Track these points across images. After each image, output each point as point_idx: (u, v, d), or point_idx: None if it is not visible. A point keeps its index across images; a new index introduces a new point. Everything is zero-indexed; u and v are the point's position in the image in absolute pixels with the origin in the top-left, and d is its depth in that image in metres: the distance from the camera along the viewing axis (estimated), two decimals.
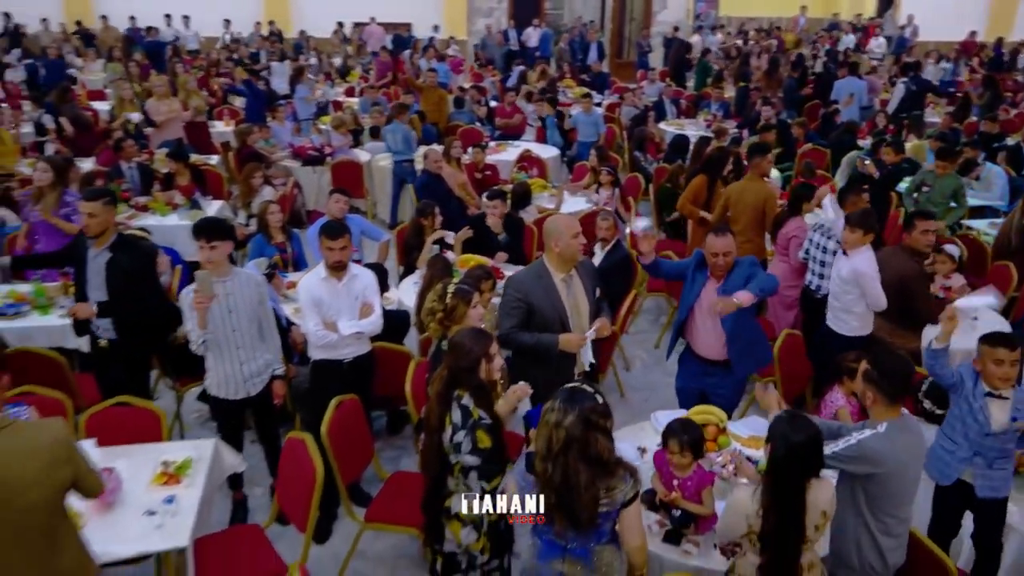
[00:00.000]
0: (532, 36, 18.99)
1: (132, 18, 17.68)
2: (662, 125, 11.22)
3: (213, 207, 7.21)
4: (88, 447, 3.32)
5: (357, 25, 19.28)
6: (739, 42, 18.90)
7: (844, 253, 4.70)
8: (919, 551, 3.03)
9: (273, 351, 4.14)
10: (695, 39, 18.55)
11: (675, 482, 3.21)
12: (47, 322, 4.97)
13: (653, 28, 19.60)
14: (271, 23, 18.64)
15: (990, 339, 3.28)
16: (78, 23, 17.77)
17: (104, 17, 17.88)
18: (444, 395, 3.04)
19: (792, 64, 14.13)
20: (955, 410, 3.43)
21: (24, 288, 5.20)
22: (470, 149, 8.56)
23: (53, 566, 2.51)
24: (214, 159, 9.15)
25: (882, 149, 7.48)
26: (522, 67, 15.09)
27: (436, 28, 18.66)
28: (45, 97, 10.39)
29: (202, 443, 3.77)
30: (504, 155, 9.53)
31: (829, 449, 2.83)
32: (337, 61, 16.44)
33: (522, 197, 7.28)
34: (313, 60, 15.66)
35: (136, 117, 9.57)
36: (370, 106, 10.84)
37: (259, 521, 3.99)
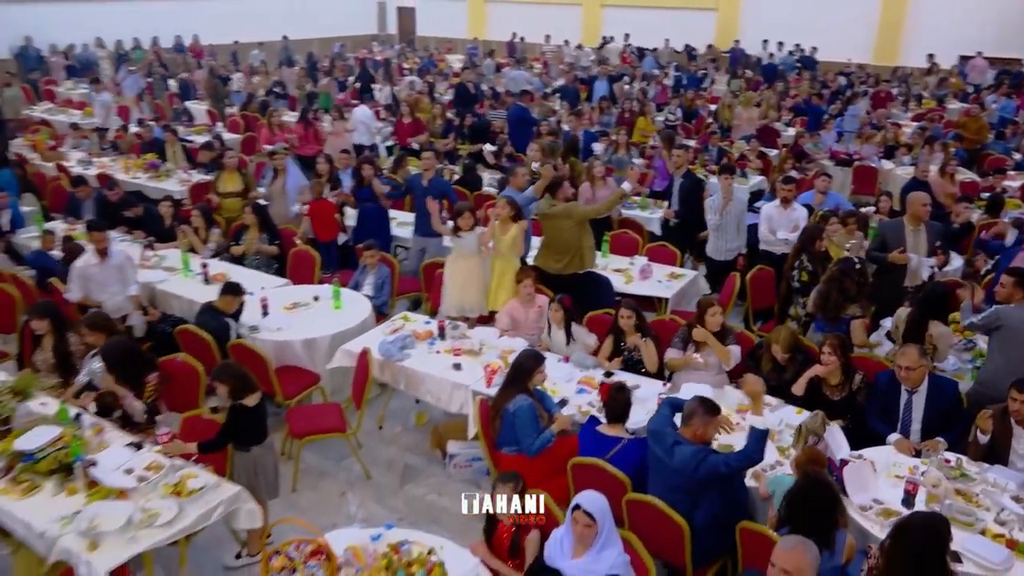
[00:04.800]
0: None
1: (765, 41, 22.20)
2: None
3: (753, 180, 10.93)
4: None
5: (963, 58, 20.46)
6: None
7: None
8: None
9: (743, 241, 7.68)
10: None
11: None
12: None
13: None
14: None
15: None
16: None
17: (737, 41, 22.78)
18: (798, 252, 6.26)
19: None
20: None
21: None
22: None
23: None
24: (773, 152, 12.79)
25: None
26: None
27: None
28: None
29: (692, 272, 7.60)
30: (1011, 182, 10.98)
31: (977, 318, 5.18)
32: (915, 90, 18.34)
33: (994, 207, 9.20)
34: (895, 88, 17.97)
35: None
36: (918, 129, 13.14)
37: None
